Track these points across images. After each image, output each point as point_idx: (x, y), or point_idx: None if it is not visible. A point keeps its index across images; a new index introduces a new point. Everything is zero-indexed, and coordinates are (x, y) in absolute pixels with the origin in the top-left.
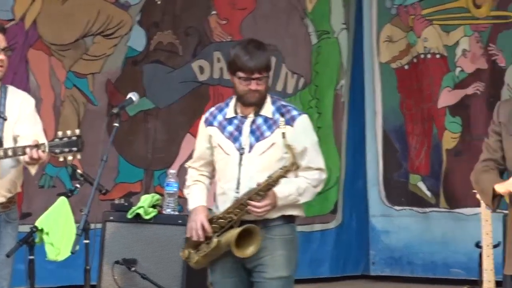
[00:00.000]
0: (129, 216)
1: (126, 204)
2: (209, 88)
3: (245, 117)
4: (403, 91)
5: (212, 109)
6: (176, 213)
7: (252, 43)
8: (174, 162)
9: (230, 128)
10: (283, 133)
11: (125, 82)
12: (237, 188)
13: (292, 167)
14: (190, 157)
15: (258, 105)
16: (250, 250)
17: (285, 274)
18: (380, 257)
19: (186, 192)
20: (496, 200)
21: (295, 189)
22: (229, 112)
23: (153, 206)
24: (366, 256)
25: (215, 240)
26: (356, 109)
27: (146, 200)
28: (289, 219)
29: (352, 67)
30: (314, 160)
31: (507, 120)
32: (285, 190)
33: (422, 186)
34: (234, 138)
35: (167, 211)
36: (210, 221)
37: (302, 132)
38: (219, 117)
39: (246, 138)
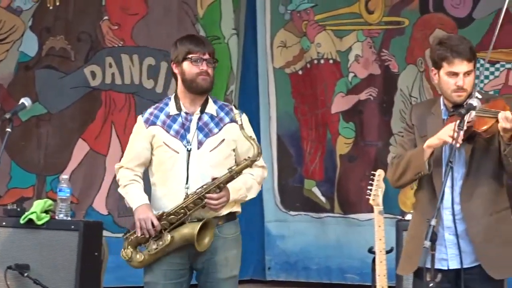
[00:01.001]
0: (22, 221)
1: (19, 209)
2: (101, 93)
3: (190, 114)
4: (297, 96)
5: (151, 109)
6: (69, 218)
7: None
8: (66, 168)
9: (176, 126)
10: (241, 125)
11: (17, 87)
12: (187, 184)
13: (258, 157)
14: (82, 162)
15: (207, 92)
16: (206, 241)
17: (236, 273)
18: (276, 262)
19: (123, 191)
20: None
21: (243, 184)
22: (172, 109)
23: (46, 212)
24: (262, 261)
25: (168, 236)
26: (250, 114)
27: (38, 205)
28: (233, 216)
29: (246, 72)
30: None
31: (419, 123)
32: (236, 185)
33: (316, 191)
34: (181, 136)
35: (60, 216)
36: (159, 218)
37: (247, 129)
38: (162, 116)
39: (193, 135)
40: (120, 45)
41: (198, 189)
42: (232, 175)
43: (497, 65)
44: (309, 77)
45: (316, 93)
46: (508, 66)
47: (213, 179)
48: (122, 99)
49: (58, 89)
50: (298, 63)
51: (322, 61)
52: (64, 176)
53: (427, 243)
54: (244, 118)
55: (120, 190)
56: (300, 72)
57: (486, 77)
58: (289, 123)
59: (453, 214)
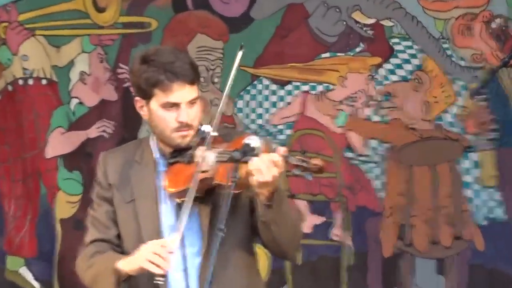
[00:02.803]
0: None
1: None
2: None
3: None
4: None
5: None
6: None
7: None
8: None
9: None
10: None
11: None
12: None
13: None
14: None
15: None
16: None
17: None
18: None
19: None
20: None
21: None
22: None
23: None
24: None
25: None
26: None
27: None
28: None
29: None
30: None
31: (120, 181)
32: None
33: (26, 273)
34: None
35: None
36: None
37: None
38: None
39: None
40: None
41: None
42: None
43: (289, 87)
44: (11, 105)
45: (22, 129)
46: (305, 88)
47: None
48: None
49: None
50: None
51: (30, 82)
52: None
53: None
54: None
55: None
56: None
57: (273, 104)
58: None
59: None
